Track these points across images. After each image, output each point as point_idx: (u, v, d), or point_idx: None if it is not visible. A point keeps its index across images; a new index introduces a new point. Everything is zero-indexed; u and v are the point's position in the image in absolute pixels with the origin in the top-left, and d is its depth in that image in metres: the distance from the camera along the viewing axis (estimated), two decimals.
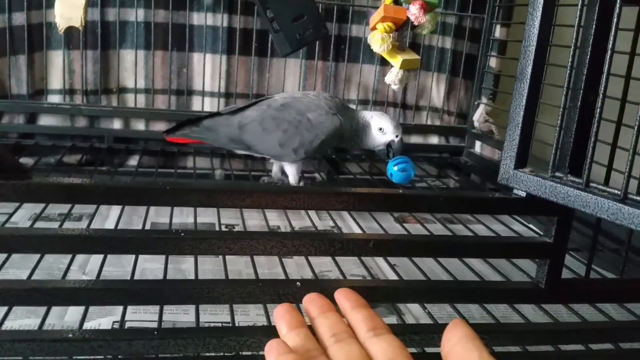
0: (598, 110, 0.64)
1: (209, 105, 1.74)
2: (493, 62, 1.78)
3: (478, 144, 1.83)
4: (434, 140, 1.89)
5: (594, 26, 0.70)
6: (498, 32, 1.77)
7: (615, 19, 0.63)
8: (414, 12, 1.34)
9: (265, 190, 0.68)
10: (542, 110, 1.37)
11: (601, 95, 0.65)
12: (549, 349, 0.84)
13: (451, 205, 0.74)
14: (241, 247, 0.68)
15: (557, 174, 0.70)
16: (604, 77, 0.64)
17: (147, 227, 1.28)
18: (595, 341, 0.85)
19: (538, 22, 0.69)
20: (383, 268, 1.20)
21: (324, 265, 1.18)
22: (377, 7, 1.53)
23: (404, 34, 1.61)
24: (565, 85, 0.69)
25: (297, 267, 1.17)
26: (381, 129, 1.29)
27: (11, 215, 1.20)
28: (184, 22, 1.68)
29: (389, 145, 1.30)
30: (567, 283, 0.79)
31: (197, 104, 1.74)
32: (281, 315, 0.58)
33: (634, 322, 0.94)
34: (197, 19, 1.69)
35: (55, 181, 0.62)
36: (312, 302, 0.60)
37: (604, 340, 0.86)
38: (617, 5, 0.63)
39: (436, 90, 1.87)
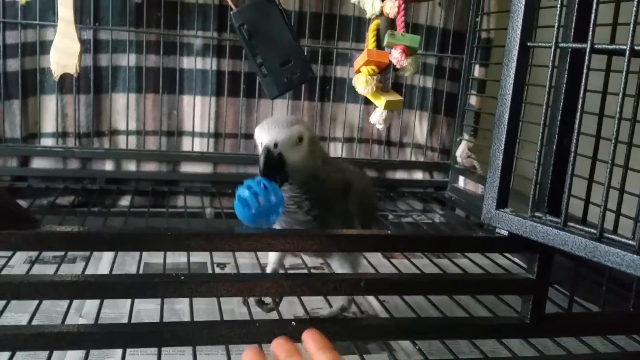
0: (572, 153, 0.69)
1: (198, 145, 1.79)
2: (473, 100, 1.85)
3: (461, 178, 1.89)
4: (419, 175, 1.95)
5: (565, 75, 0.76)
6: (477, 71, 1.84)
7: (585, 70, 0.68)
8: (396, 56, 1.41)
9: (261, 235, 0.72)
10: (522, 146, 1.43)
11: (575, 138, 0.70)
12: None
13: (439, 245, 0.79)
14: (239, 289, 0.71)
15: (536, 213, 0.74)
16: (577, 121, 0.70)
17: (141, 268, 1.31)
18: None
19: (513, 73, 0.75)
20: (373, 304, 1.23)
21: (315, 303, 1.21)
22: (360, 50, 1.60)
23: (387, 76, 1.68)
24: (541, 130, 0.74)
25: (288, 305, 1.20)
26: None
27: (9, 259, 1.22)
28: (174, 66, 1.73)
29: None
30: (551, 317, 0.84)
31: (187, 145, 1.79)
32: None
33: (617, 354, 0.98)
34: (187, 62, 1.74)
35: (62, 230, 0.65)
36: (279, 346, 0.63)
37: None
38: (587, 56, 0.69)
39: (419, 127, 1.93)
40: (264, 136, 0.89)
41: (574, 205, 0.77)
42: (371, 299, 1.25)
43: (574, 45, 0.71)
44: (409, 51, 1.40)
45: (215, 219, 1.67)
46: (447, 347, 0.96)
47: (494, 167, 0.77)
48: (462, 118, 1.86)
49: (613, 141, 0.67)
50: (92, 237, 0.67)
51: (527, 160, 1.32)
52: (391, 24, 1.44)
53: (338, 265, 1.01)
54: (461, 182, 1.89)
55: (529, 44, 0.74)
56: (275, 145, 0.88)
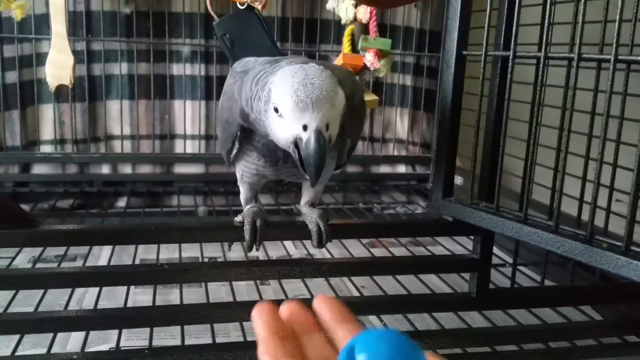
0: (501, 149, 0.79)
1: (190, 147, 1.88)
2: None
3: None
4: (402, 169, 2.03)
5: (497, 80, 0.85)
6: None
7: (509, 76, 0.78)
8: (369, 58, 1.51)
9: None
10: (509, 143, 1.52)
11: (502, 137, 0.80)
12: (487, 349, 0.97)
13: (391, 231, 0.88)
14: (216, 274, 0.81)
15: (475, 201, 0.84)
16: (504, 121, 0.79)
17: (137, 262, 1.41)
18: (528, 341, 0.99)
19: (452, 78, 0.85)
20: (351, 290, 1.33)
21: (298, 290, 1.31)
22: (340, 52, 1.69)
23: (363, 78, 1.78)
24: (475, 128, 0.84)
25: (273, 293, 1.30)
26: (277, 109, 0.73)
27: (13, 259, 1.32)
28: (165, 73, 1.82)
29: (296, 145, 0.72)
30: (494, 292, 0.93)
31: (180, 147, 1.88)
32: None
33: (563, 324, 1.08)
34: (177, 69, 1.83)
35: (59, 228, 0.75)
36: (293, 314, 0.51)
37: (535, 341, 1.00)
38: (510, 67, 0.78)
39: (400, 123, 2.02)
40: (310, 116, 0.69)
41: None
42: (350, 285, 1.35)
43: (501, 53, 0.81)
44: (381, 54, 1.50)
45: (208, 217, 1.76)
46: (409, 320, 1.05)
47: (440, 162, 0.87)
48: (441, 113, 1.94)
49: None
50: (84, 233, 0.76)
51: (512, 157, 1.41)
52: (364, 28, 1.54)
53: (305, 188, 0.96)
54: None
55: (464, 52, 0.83)
56: (327, 126, 0.71)
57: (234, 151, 0.87)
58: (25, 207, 1.69)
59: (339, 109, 0.72)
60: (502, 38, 0.82)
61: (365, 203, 1.90)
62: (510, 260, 1.36)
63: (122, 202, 1.80)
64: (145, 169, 1.85)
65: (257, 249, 0.82)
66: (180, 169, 1.87)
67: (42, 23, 1.69)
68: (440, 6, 1.93)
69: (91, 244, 0.82)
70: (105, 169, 1.82)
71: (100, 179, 1.81)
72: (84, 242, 0.76)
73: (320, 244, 0.85)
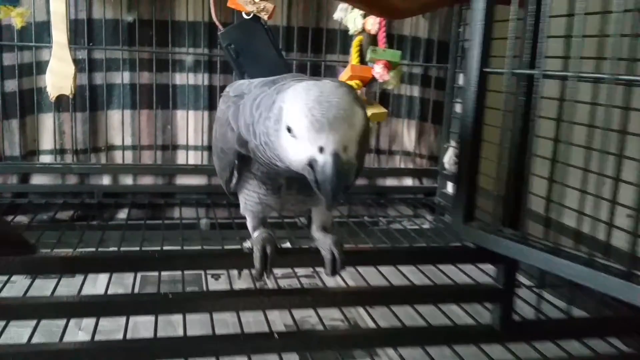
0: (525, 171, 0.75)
1: (193, 158, 1.83)
2: (459, 107, 1.88)
3: (449, 184, 1.92)
4: (408, 182, 1.99)
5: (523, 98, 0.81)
6: (462, 80, 1.86)
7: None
8: (378, 70, 1.47)
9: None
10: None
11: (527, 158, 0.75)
12: None
13: (411, 258, 0.84)
14: (223, 304, 0.77)
15: (500, 228, 0.80)
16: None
17: (138, 280, 1.36)
18: None
19: (474, 96, 0.80)
20: (365, 318, 1.26)
21: (308, 318, 1.25)
22: (346, 62, 1.65)
23: (371, 90, 1.74)
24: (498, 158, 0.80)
25: (279, 314, 1.25)
26: (289, 129, 0.68)
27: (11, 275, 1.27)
28: (167, 82, 1.78)
29: (311, 166, 0.68)
30: (518, 324, 0.89)
31: (182, 158, 1.84)
32: None
33: (590, 357, 1.02)
34: (180, 78, 1.79)
35: (57, 255, 0.71)
36: None
37: None
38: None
39: (407, 135, 1.98)
40: (327, 137, 0.64)
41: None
42: (361, 310, 1.29)
43: (527, 71, 0.77)
44: (390, 66, 1.46)
45: (211, 230, 1.72)
46: (427, 353, 1.01)
47: (461, 184, 0.83)
48: (449, 125, 1.90)
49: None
50: (85, 261, 0.72)
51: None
52: (373, 39, 1.50)
53: (315, 213, 0.91)
54: (449, 187, 1.93)
55: (485, 70, 0.79)
56: (345, 148, 0.66)
57: (234, 180, 0.83)
58: (23, 218, 1.66)
59: (358, 129, 0.67)
60: (529, 54, 0.78)
61: (371, 216, 1.86)
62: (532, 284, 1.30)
63: (123, 214, 1.77)
64: (146, 180, 1.81)
65: (268, 277, 0.77)
66: (183, 180, 1.84)
67: (42, 31, 1.66)
68: (448, 17, 1.89)
69: (89, 271, 0.78)
70: (106, 180, 1.79)
71: (101, 190, 1.77)
72: (82, 269, 0.72)
73: (334, 272, 0.80)
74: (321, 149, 0.65)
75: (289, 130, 0.68)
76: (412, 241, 1.60)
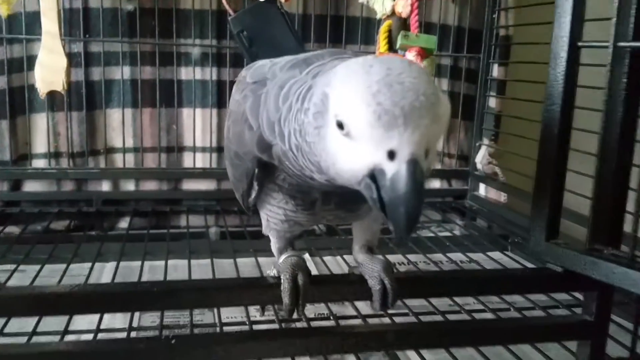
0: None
1: (200, 161, 1.70)
2: (493, 102, 1.75)
3: (482, 186, 1.79)
4: (436, 184, 1.85)
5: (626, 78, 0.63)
6: (496, 71, 1.74)
7: None
8: (410, 58, 1.30)
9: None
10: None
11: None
12: None
13: (481, 286, 0.66)
14: (243, 350, 0.60)
15: (596, 246, 0.62)
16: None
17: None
18: None
19: (562, 78, 0.63)
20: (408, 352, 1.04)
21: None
22: (369, 53, 1.49)
23: None
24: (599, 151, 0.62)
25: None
26: (341, 124, 0.51)
27: None
28: (172, 78, 1.65)
29: (373, 178, 0.51)
30: None
31: (189, 161, 1.71)
32: None
33: None
34: (185, 73, 1.67)
35: (29, 292, 0.54)
36: None
37: None
38: None
39: None
40: (400, 136, 0.47)
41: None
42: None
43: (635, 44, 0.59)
44: (424, 53, 1.30)
45: (221, 240, 1.57)
46: None
47: (542, 191, 0.65)
48: (481, 122, 1.76)
49: None
50: (66, 298, 0.55)
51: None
52: (403, 24, 1.34)
53: (359, 229, 0.75)
54: (482, 190, 1.80)
55: (579, 43, 0.61)
56: (427, 152, 0.50)
57: (253, 194, 0.65)
58: (14, 229, 1.53)
59: (443, 124, 0.49)
60: (632, 25, 0.60)
61: None
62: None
63: (124, 223, 1.65)
64: (150, 186, 1.69)
65: (300, 315, 0.60)
66: (189, 185, 1.71)
67: (34, 21, 1.52)
68: (480, 1, 1.74)
69: (70, 313, 0.61)
70: (106, 186, 1.67)
71: (100, 197, 1.65)
72: (60, 310, 0.56)
73: (385, 307, 0.62)
74: (391, 154, 0.47)
75: (340, 126, 0.49)
76: (447, 250, 1.43)
